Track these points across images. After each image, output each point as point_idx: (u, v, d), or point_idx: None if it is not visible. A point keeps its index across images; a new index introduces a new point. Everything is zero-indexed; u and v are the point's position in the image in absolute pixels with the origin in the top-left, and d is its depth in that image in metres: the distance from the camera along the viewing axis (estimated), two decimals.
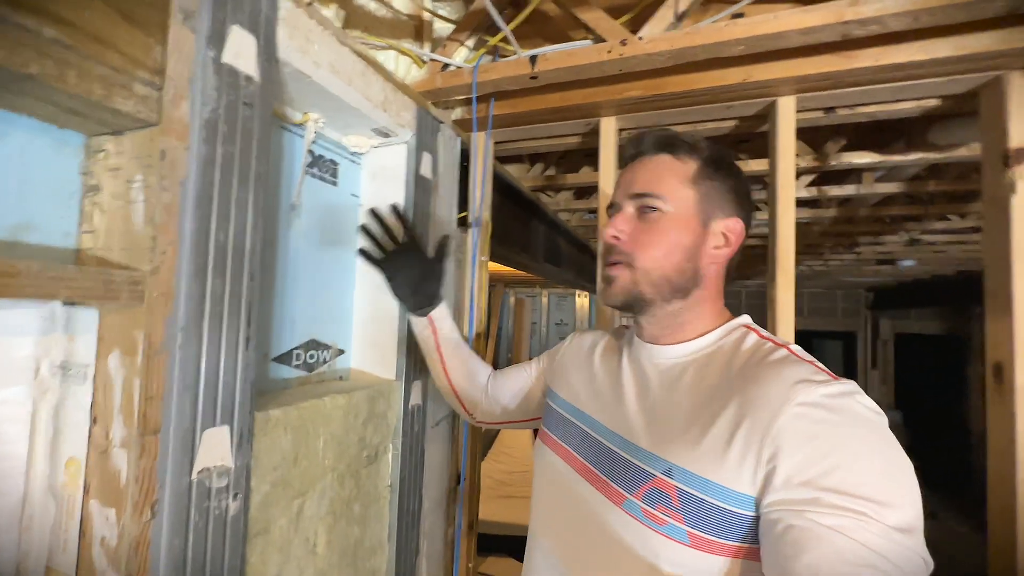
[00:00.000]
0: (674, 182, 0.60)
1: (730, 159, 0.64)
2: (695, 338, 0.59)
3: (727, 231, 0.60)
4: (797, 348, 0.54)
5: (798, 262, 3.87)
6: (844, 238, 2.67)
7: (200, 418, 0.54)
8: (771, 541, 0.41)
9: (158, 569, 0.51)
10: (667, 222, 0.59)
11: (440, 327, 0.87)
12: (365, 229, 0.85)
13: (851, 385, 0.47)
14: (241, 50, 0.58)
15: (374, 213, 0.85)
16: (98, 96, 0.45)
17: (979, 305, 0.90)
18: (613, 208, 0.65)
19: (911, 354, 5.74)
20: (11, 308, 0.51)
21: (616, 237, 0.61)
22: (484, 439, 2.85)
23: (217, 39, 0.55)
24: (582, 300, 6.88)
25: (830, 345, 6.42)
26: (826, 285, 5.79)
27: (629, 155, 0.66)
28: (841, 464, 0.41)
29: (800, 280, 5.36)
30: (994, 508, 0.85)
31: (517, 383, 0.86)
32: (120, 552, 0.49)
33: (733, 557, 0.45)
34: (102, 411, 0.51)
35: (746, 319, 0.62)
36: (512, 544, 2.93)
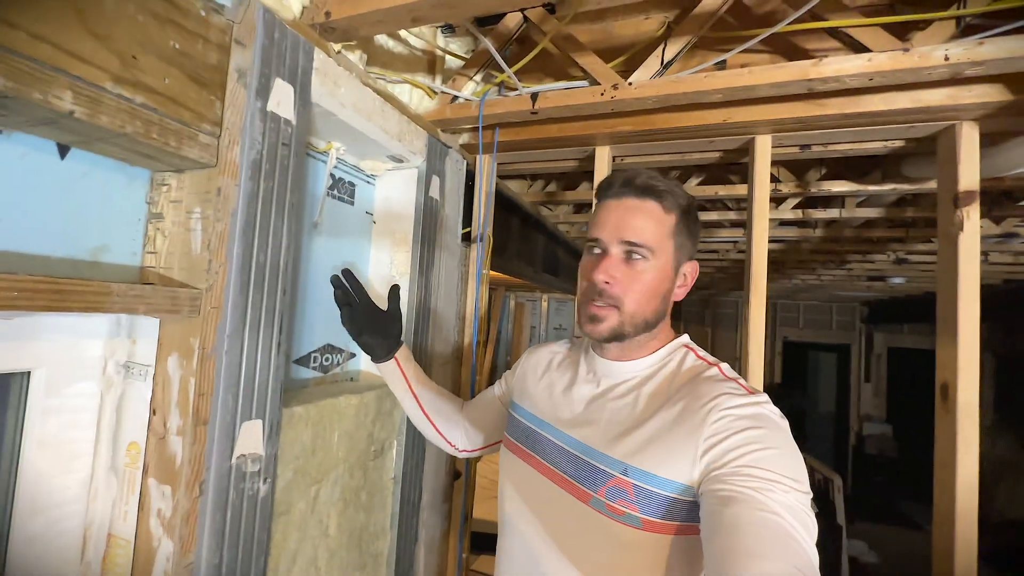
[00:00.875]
0: (660, 234, 0.65)
1: (696, 207, 0.71)
2: (647, 355, 0.69)
3: (688, 272, 0.70)
4: (726, 367, 0.66)
5: (791, 276, 3.96)
6: (833, 255, 2.77)
7: (240, 412, 0.64)
8: (706, 503, 0.53)
9: (203, 538, 0.61)
10: (652, 272, 0.65)
11: (406, 367, 0.91)
12: (335, 296, 0.88)
13: (763, 397, 0.59)
14: (282, 99, 0.69)
15: (333, 281, 0.88)
16: (173, 147, 0.55)
17: None
18: (597, 246, 0.68)
19: (903, 368, 5.83)
20: (84, 316, 0.61)
21: (607, 282, 0.65)
22: None
23: (263, 91, 0.65)
24: None
25: (824, 357, 6.51)
26: (821, 298, 5.88)
27: (615, 192, 0.68)
28: (755, 450, 0.53)
29: (795, 293, 5.45)
30: (938, 514, 0.95)
31: (491, 414, 0.91)
32: (174, 522, 0.59)
33: (676, 534, 0.57)
34: (160, 404, 0.61)
35: (685, 339, 0.72)
36: None
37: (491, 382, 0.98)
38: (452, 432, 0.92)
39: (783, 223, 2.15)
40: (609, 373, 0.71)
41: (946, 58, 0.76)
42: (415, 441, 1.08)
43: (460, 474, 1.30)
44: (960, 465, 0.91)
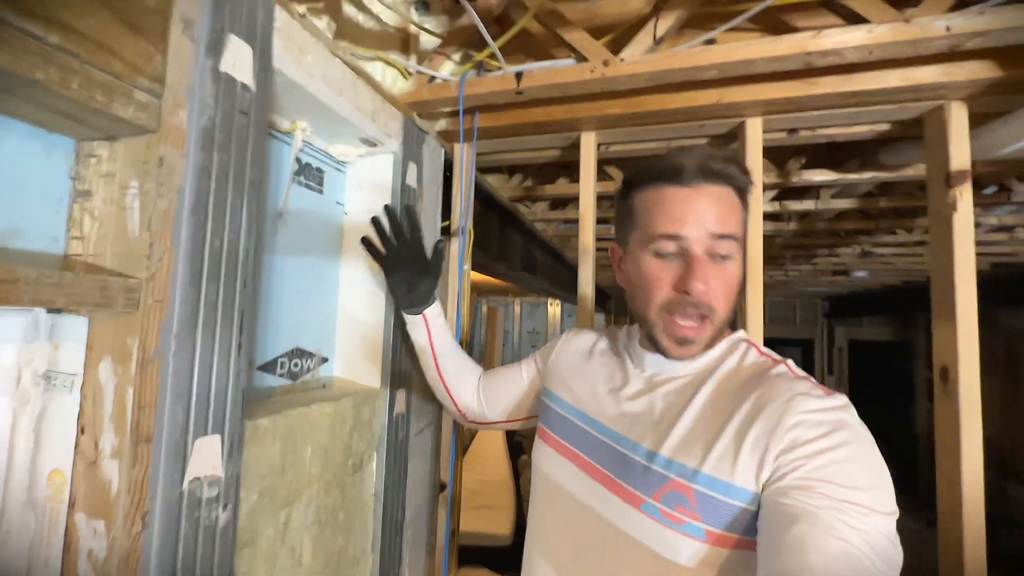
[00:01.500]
0: (740, 224, 0.59)
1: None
2: (701, 353, 0.62)
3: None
4: (792, 363, 0.60)
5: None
6: (803, 250, 2.82)
7: (192, 426, 0.54)
8: (768, 515, 0.46)
9: None
10: (737, 268, 0.58)
11: (433, 325, 0.89)
12: (376, 221, 0.88)
13: (843, 399, 0.53)
14: (238, 60, 0.59)
15: (387, 209, 0.89)
16: (99, 103, 0.45)
17: (923, 313, 0.98)
18: (675, 244, 0.57)
19: (863, 360, 6.07)
20: None
21: (706, 293, 0.56)
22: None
23: (215, 48, 0.56)
24: (554, 309, 6.95)
25: (790, 351, 6.68)
26: (786, 294, 6.06)
27: (687, 176, 0.57)
28: (833, 462, 0.46)
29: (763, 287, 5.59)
30: (943, 504, 0.92)
31: (511, 391, 0.87)
32: (109, 565, 0.48)
33: (733, 548, 0.50)
34: (90, 421, 0.50)
35: (743, 333, 0.66)
36: (486, 556, 2.91)
37: None
38: (463, 395, 0.91)
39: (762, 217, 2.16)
40: (661, 368, 0.64)
41: (947, 28, 0.74)
42: (397, 453, 0.98)
43: (445, 486, 1.21)
44: (964, 452, 0.89)
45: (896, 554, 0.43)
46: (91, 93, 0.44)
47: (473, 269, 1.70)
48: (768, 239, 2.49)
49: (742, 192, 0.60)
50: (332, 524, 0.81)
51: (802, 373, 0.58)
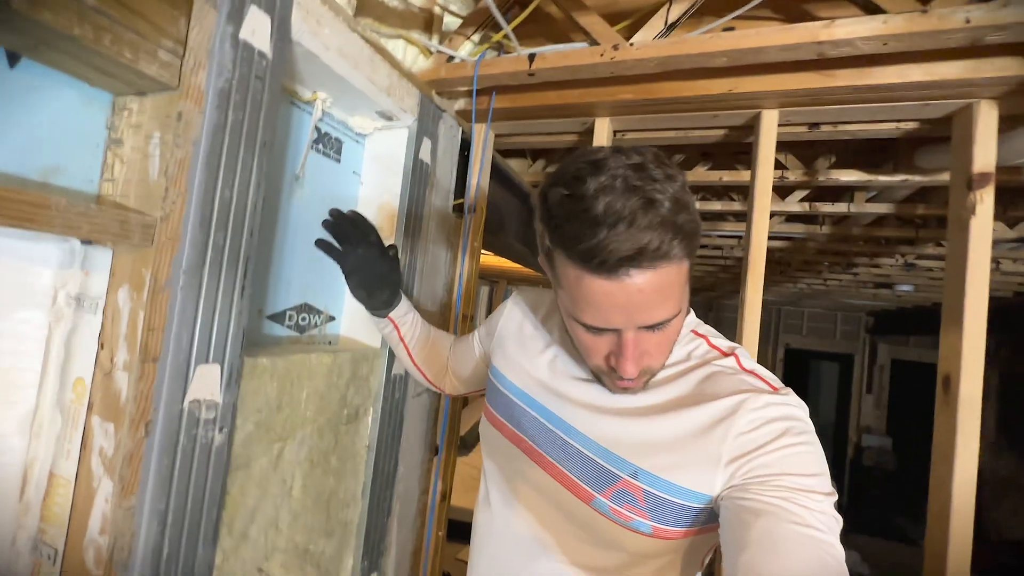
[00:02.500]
0: (678, 293, 0.50)
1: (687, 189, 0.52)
2: None
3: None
4: (742, 353, 0.60)
5: (797, 280, 3.90)
6: (840, 256, 2.71)
7: (195, 353, 0.61)
8: (729, 515, 0.48)
9: (147, 482, 0.57)
10: (676, 324, 0.54)
11: (402, 324, 0.90)
12: (326, 224, 0.88)
13: (788, 392, 0.55)
14: (257, 28, 0.65)
15: (332, 213, 0.88)
16: (127, 59, 0.51)
17: None
18: (603, 331, 0.53)
19: (906, 381, 5.74)
20: (36, 241, 0.57)
21: (641, 362, 0.53)
22: (472, 433, 2.91)
23: (236, 16, 0.62)
24: None
25: (826, 366, 6.43)
26: (826, 306, 5.79)
27: (608, 268, 0.46)
28: (786, 456, 0.49)
29: (800, 299, 5.37)
30: (933, 511, 0.90)
31: (470, 360, 0.88)
32: (115, 462, 0.55)
33: (684, 538, 0.53)
34: (109, 338, 0.58)
35: (693, 320, 0.65)
36: None
37: None
38: (441, 381, 0.95)
39: (789, 218, 2.09)
40: None
41: (967, 20, 0.71)
42: (392, 411, 1.04)
43: (438, 450, 1.27)
44: (959, 459, 0.86)
45: (839, 527, 0.46)
46: (120, 49, 0.51)
47: (493, 251, 1.74)
48: (800, 243, 2.41)
49: (683, 253, 0.48)
50: (323, 465, 0.88)
51: (749, 365, 0.58)
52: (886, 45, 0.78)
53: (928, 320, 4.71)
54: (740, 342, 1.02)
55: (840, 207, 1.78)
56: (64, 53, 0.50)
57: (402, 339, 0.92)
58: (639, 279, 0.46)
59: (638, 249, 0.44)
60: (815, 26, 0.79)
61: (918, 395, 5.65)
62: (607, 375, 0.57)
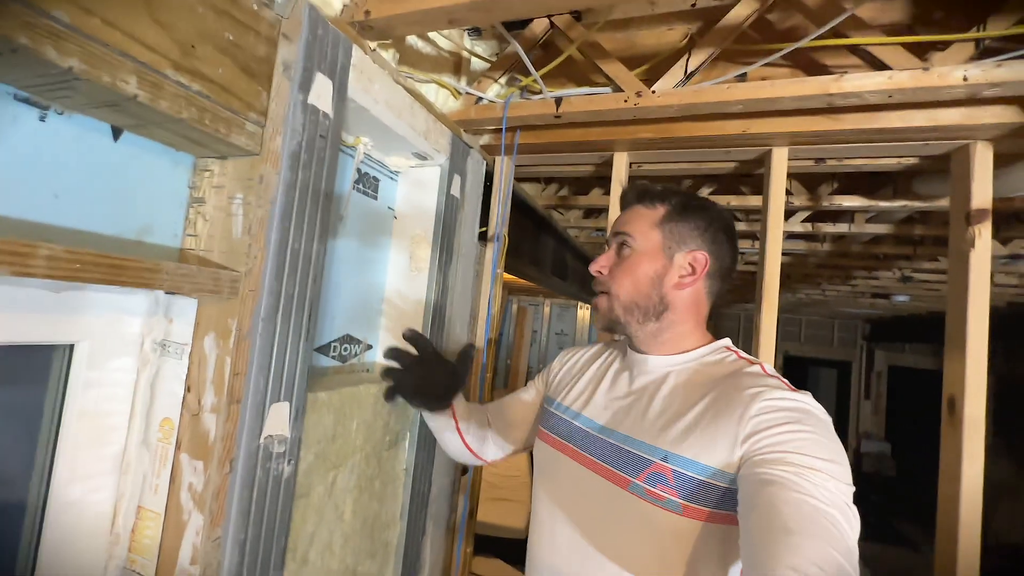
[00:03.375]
0: (643, 225, 0.74)
1: (699, 204, 0.75)
2: (679, 353, 0.72)
3: (692, 262, 0.72)
4: (768, 366, 0.68)
5: (796, 290, 3.98)
6: (839, 270, 2.78)
7: (269, 393, 0.66)
8: (744, 486, 0.54)
9: (231, 514, 0.62)
10: (635, 257, 0.73)
11: (458, 410, 0.92)
12: (388, 371, 0.90)
13: (806, 394, 0.61)
14: (321, 92, 0.71)
15: (394, 350, 0.90)
16: (223, 134, 0.57)
17: None
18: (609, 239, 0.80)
19: (904, 387, 5.83)
20: (130, 294, 0.63)
21: (599, 271, 0.76)
22: None
23: (306, 84, 0.68)
24: (583, 313, 6.98)
25: (824, 373, 6.51)
26: (824, 314, 5.89)
27: (621, 206, 0.82)
28: (795, 439, 0.54)
29: (798, 307, 5.45)
30: (941, 528, 0.96)
31: (522, 419, 0.92)
32: (205, 497, 0.60)
33: (715, 522, 0.59)
34: (196, 382, 0.63)
35: (727, 341, 0.75)
36: (501, 546, 3.01)
37: (495, 382, 1.00)
38: (484, 449, 0.94)
39: (792, 236, 2.17)
40: (644, 367, 0.74)
41: (964, 79, 0.78)
42: (427, 434, 1.09)
43: (466, 470, 1.32)
44: (965, 478, 0.92)
45: (854, 517, 0.49)
46: (217, 127, 0.57)
47: (506, 272, 1.80)
48: (801, 258, 2.48)
49: (654, 204, 0.75)
50: (370, 490, 0.93)
51: (774, 373, 0.66)
52: (891, 97, 0.85)
53: (924, 328, 4.81)
54: (757, 355, 1.09)
55: (841, 227, 1.85)
56: (168, 131, 0.56)
57: (458, 427, 0.91)
58: (625, 210, 0.79)
59: (628, 193, 0.81)
60: (826, 79, 0.86)
61: (915, 400, 5.75)
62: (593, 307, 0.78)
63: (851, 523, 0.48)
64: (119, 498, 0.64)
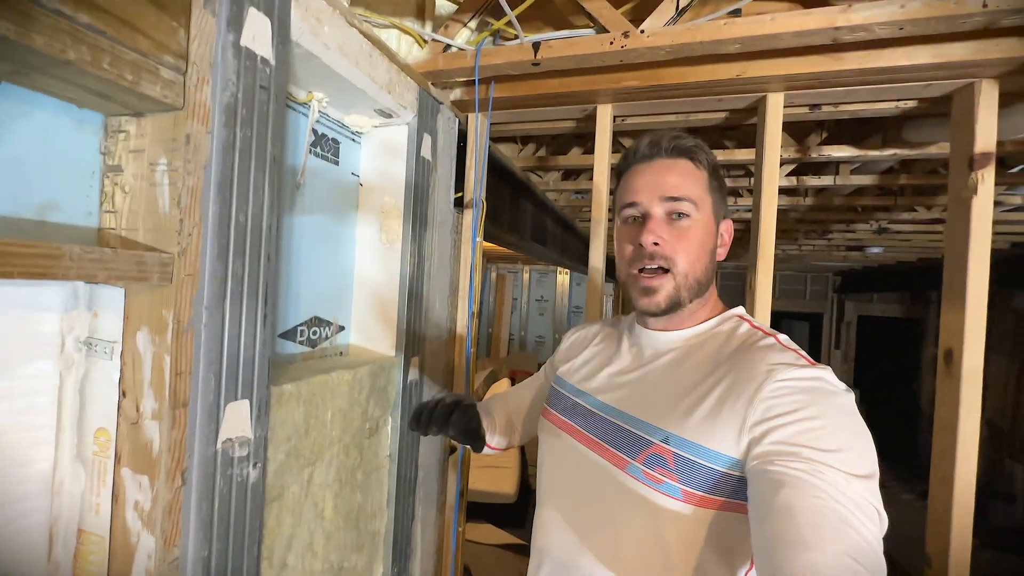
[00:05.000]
0: (699, 188, 0.63)
1: (719, 166, 0.68)
2: (695, 325, 0.65)
3: (725, 232, 0.67)
4: (784, 338, 0.61)
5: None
6: (818, 224, 2.78)
7: (224, 392, 0.57)
8: (755, 484, 0.49)
9: (188, 531, 0.54)
10: (698, 227, 0.62)
11: (491, 441, 0.85)
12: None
13: (825, 369, 0.54)
14: (258, 33, 0.59)
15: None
16: (128, 81, 0.46)
17: (936, 290, 0.99)
18: (635, 209, 0.64)
19: (872, 335, 6.06)
20: (36, 285, 0.52)
21: (656, 243, 0.61)
22: None
23: (236, 22, 0.56)
24: (563, 277, 6.96)
25: (797, 326, 6.70)
26: (797, 268, 6.00)
27: (643, 155, 0.66)
28: (810, 428, 0.48)
29: (773, 263, 5.53)
30: (935, 477, 0.96)
31: (531, 389, 0.89)
32: (155, 515, 0.52)
33: (718, 510, 0.53)
34: (131, 386, 0.53)
35: (740, 310, 0.68)
36: (491, 511, 3.06)
37: (479, 355, 0.93)
38: (493, 440, 0.86)
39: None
40: (653, 344, 0.67)
41: (984, 5, 0.71)
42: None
43: (455, 449, 1.27)
44: (961, 430, 0.91)
45: (879, 514, 0.45)
46: (120, 72, 0.45)
47: (485, 240, 1.71)
48: (782, 213, 2.45)
49: (702, 164, 0.64)
50: (351, 482, 0.86)
51: (792, 346, 0.59)
52: (902, 30, 0.77)
53: (892, 277, 4.94)
54: (753, 315, 1.05)
55: (826, 179, 1.81)
56: (57, 78, 0.44)
57: (489, 447, 0.85)
58: (663, 163, 0.64)
59: (662, 144, 0.64)
60: (832, 11, 0.78)
61: (882, 347, 6.00)
62: (636, 279, 0.64)
63: (872, 517, 0.44)
64: (54, 522, 0.55)
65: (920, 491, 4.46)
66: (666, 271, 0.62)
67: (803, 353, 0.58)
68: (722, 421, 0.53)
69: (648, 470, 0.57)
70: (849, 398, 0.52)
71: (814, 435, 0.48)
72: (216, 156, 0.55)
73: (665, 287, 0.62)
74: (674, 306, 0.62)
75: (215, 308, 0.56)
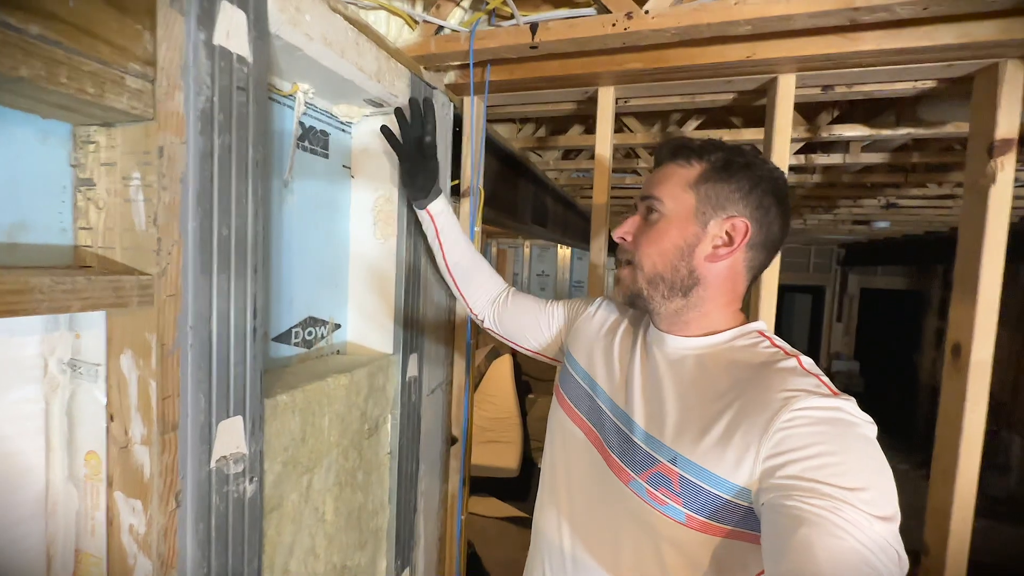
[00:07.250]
0: (674, 186, 0.63)
1: (745, 161, 0.62)
2: (704, 335, 0.62)
3: (730, 230, 0.61)
4: (807, 360, 0.57)
5: None
6: (825, 201, 2.72)
7: (215, 411, 0.56)
8: (771, 518, 0.47)
9: (186, 550, 0.54)
10: (665, 224, 0.63)
11: (439, 221, 0.93)
12: (397, 111, 0.90)
13: (848, 399, 0.51)
14: (232, 29, 0.55)
15: (398, 112, 0.90)
16: (90, 95, 0.42)
17: (940, 263, 0.96)
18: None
19: (874, 308, 6.04)
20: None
21: (623, 237, 0.67)
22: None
23: (207, 19, 0.52)
24: (564, 252, 6.91)
25: (799, 298, 6.69)
26: (801, 241, 5.93)
27: (656, 163, 0.70)
28: (832, 463, 0.45)
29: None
30: (937, 469, 0.95)
31: (525, 320, 0.91)
32: (150, 539, 0.52)
33: (724, 538, 0.52)
34: (118, 409, 0.52)
35: (761, 324, 0.64)
36: (494, 485, 3.12)
37: (479, 344, 0.93)
38: (476, 299, 0.96)
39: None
40: (664, 347, 0.64)
41: None
42: (410, 414, 1.02)
43: (456, 439, 1.27)
44: (967, 422, 0.90)
45: (900, 557, 0.43)
46: (81, 85, 0.42)
47: (483, 224, 1.67)
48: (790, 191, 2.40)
49: (690, 162, 0.64)
50: (351, 483, 0.86)
51: (814, 370, 0.56)
52: (926, 9, 0.72)
53: (898, 251, 4.88)
54: (760, 292, 1.04)
55: (835, 157, 1.75)
56: (11, 93, 0.41)
57: (437, 235, 0.93)
58: (657, 169, 0.67)
59: (663, 148, 0.68)
60: None
61: (884, 319, 5.99)
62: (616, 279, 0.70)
63: (894, 563, 0.42)
64: (51, 542, 0.55)
65: (916, 461, 4.54)
66: (630, 263, 0.66)
67: (825, 379, 0.54)
68: (733, 448, 0.51)
69: (652, 489, 0.55)
70: (871, 430, 0.49)
71: (834, 471, 0.45)
72: (193, 167, 0.51)
73: (623, 278, 0.67)
74: (635, 298, 0.66)
75: (201, 327, 0.54)
